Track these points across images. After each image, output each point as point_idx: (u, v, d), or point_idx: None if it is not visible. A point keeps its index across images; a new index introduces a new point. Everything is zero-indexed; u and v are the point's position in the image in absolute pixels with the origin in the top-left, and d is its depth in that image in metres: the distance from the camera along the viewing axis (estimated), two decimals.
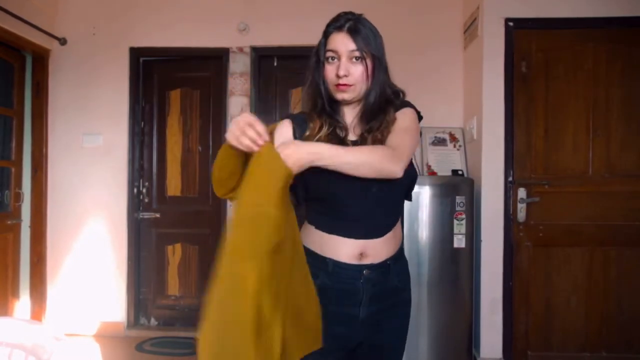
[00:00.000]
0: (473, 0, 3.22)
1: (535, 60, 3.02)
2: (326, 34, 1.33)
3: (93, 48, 3.63)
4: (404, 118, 1.34)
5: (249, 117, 1.14)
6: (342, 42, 1.29)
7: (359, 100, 1.36)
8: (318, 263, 1.31)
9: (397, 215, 1.38)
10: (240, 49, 3.61)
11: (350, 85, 1.30)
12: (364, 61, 1.29)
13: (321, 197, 1.31)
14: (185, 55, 3.68)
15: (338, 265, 1.30)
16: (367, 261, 1.31)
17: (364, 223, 1.31)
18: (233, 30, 3.58)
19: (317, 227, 1.34)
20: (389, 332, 1.38)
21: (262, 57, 3.66)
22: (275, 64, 3.70)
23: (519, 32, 3.01)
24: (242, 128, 1.13)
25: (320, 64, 1.34)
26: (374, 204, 1.29)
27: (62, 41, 3.61)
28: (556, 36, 3.01)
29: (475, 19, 3.18)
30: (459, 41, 3.49)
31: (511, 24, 3.00)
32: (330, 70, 1.31)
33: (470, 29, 3.29)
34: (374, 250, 1.31)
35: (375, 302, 1.34)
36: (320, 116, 1.34)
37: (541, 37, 3.01)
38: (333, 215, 1.32)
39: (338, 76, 1.29)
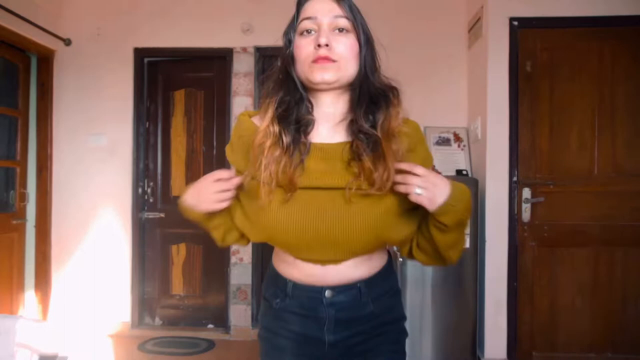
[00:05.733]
0: (477, 0, 3.21)
1: (540, 59, 3.00)
2: (300, 3, 1.02)
3: (98, 48, 3.64)
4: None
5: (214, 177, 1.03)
6: (322, 6, 0.98)
7: (341, 89, 1.02)
8: (278, 283, 1.13)
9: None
10: (244, 49, 3.61)
11: (334, 61, 0.97)
12: (350, 34, 0.99)
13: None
14: (189, 55, 3.69)
15: (297, 287, 1.09)
16: (330, 282, 1.07)
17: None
18: (237, 31, 3.58)
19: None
20: None
21: (266, 57, 3.66)
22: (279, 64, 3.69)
23: (524, 31, 2.99)
24: (215, 191, 1.04)
25: (291, 46, 1.00)
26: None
27: (67, 42, 3.62)
28: (561, 35, 2.99)
29: (479, 19, 3.16)
30: (464, 41, 3.48)
31: (515, 23, 2.99)
32: (305, 45, 0.98)
33: (475, 29, 3.28)
34: (337, 272, 1.06)
35: (345, 329, 1.08)
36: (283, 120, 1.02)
37: (546, 36, 3.00)
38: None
39: (318, 46, 0.96)
